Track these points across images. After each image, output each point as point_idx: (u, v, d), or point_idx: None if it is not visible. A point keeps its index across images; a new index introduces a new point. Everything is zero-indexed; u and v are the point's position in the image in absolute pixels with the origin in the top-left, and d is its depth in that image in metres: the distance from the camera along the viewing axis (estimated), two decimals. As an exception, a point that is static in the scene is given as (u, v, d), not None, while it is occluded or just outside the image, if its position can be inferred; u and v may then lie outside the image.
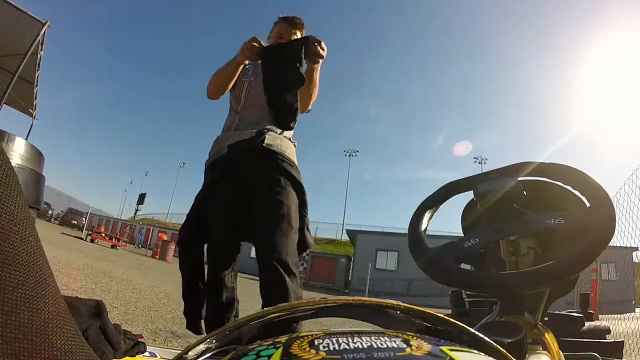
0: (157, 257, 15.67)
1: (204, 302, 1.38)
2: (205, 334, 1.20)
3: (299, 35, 1.52)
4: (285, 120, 1.40)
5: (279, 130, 1.44)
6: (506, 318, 0.54)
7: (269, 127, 1.43)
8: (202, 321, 1.40)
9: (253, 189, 1.35)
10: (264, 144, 1.37)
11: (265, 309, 0.31)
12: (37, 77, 6.46)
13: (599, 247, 0.47)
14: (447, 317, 0.31)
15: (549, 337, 0.56)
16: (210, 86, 1.56)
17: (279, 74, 1.38)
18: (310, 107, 1.54)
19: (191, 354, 0.30)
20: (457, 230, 0.74)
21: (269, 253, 1.20)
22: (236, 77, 1.53)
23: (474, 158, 34.73)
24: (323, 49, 1.35)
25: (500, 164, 0.65)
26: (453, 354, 0.19)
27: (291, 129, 1.43)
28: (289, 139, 1.50)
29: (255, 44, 1.38)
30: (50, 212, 29.66)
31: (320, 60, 1.39)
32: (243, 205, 1.36)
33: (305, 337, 0.21)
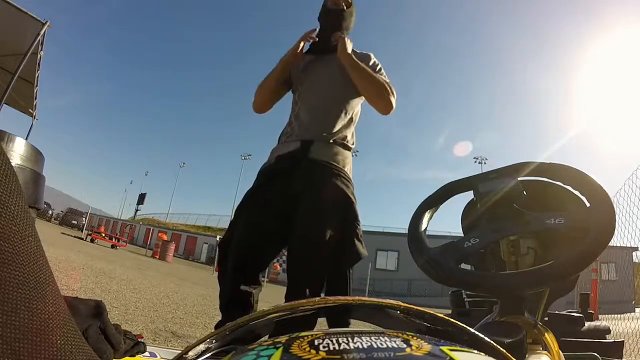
0: (157, 257, 15.67)
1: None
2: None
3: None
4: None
5: (330, 138, 1.38)
6: (506, 318, 0.54)
7: (318, 135, 1.37)
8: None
9: (294, 203, 1.31)
10: (308, 156, 1.34)
11: (265, 308, 0.31)
12: (37, 77, 6.45)
13: (599, 247, 0.47)
14: (447, 317, 0.31)
15: (549, 337, 0.56)
16: (256, 95, 1.54)
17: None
18: (393, 104, 1.42)
19: (191, 354, 0.30)
20: (457, 230, 0.74)
21: (296, 274, 1.26)
22: (281, 83, 1.53)
23: (474, 158, 34.63)
24: (337, 40, 1.45)
25: (500, 164, 0.64)
26: (453, 354, 0.19)
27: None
28: (342, 143, 1.41)
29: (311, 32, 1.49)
30: (50, 212, 29.63)
31: (343, 51, 1.42)
32: (281, 214, 1.33)
33: (305, 337, 0.21)
